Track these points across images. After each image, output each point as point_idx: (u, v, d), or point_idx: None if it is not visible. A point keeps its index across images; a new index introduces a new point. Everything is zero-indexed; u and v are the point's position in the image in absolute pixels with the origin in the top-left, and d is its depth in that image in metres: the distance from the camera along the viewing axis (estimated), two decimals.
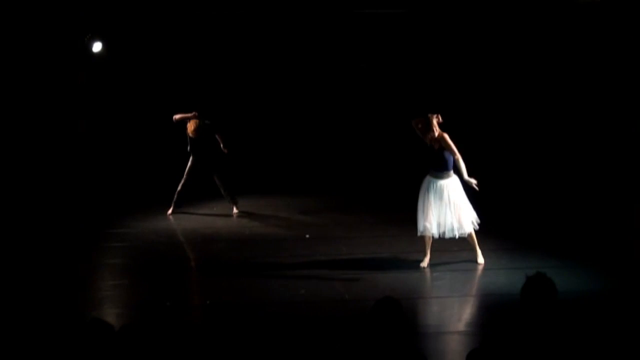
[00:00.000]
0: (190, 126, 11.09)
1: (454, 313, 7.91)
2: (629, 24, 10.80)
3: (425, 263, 8.88)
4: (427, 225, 8.70)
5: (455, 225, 8.68)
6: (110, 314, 7.35)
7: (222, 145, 11.32)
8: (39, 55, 11.61)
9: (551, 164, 12.49)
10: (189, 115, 11.18)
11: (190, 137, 11.16)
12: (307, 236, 10.37)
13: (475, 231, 8.87)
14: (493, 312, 7.65)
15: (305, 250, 9.72)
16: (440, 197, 8.67)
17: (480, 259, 8.95)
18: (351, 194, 13.03)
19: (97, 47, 12.31)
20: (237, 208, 11.62)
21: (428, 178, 8.82)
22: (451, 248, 9.24)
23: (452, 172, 8.73)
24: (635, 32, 10.75)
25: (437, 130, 8.63)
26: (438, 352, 6.73)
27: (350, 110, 14.19)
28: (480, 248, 8.99)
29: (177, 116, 11.21)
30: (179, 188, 11.39)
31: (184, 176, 11.37)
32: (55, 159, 12.07)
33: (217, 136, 11.35)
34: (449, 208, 8.64)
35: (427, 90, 12.99)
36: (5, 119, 11.38)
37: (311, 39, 13.74)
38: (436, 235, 8.78)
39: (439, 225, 8.70)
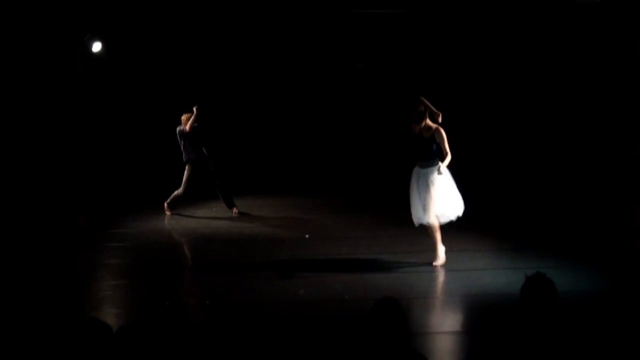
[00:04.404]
0: (187, 121, 11.12)
1: (453, 313, 7.91)
2: (629, 24, 10.80)
3: (439, 261, 8.65)
4: (426, 215, 8.58)
5: (445, 212, 8.56)
6: (110, 314, 7.34)
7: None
8: (38, 55, 11.61)
9: (551, 164, 12.49)
10: (192, 114, 11.17)
11: (187, 135, 11.15)
12: (307, 236, 10.36)
13: (475, 231, 8.83)
14: (493, 312, 7.63)
15: (305, 250, 9.72)
16: (427, 186, 8.55)
17: (438, 260, 8.78)
18: (351, 194, 13.02)
19: (96, 47, 12.31)
20: (236, 209, 11.61)
21: (416, 169, 8.73)
22: (452, 248, 9.23)
23: (438, 160, 8.54)
24: (635, 32, 10.75)
25: (429, 120, 8.48)
26: (438, 352, 6.72)
27: (350, 110, 14.20)
28: (480, 248, 8.96)
29: (188, 124, 11.19)
30: (174, 195, 11.40)
31: (182, 188, 11.34)
32: (56, 159, 12.06)
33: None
34: (436, 195, 8.52)
35: (425, 90, 12.96)
36: (5, 119, 11.37)
37: (310, 39, 13.74)
38: (437, 223, 8.65)
39: (437, 215, 8.59)
